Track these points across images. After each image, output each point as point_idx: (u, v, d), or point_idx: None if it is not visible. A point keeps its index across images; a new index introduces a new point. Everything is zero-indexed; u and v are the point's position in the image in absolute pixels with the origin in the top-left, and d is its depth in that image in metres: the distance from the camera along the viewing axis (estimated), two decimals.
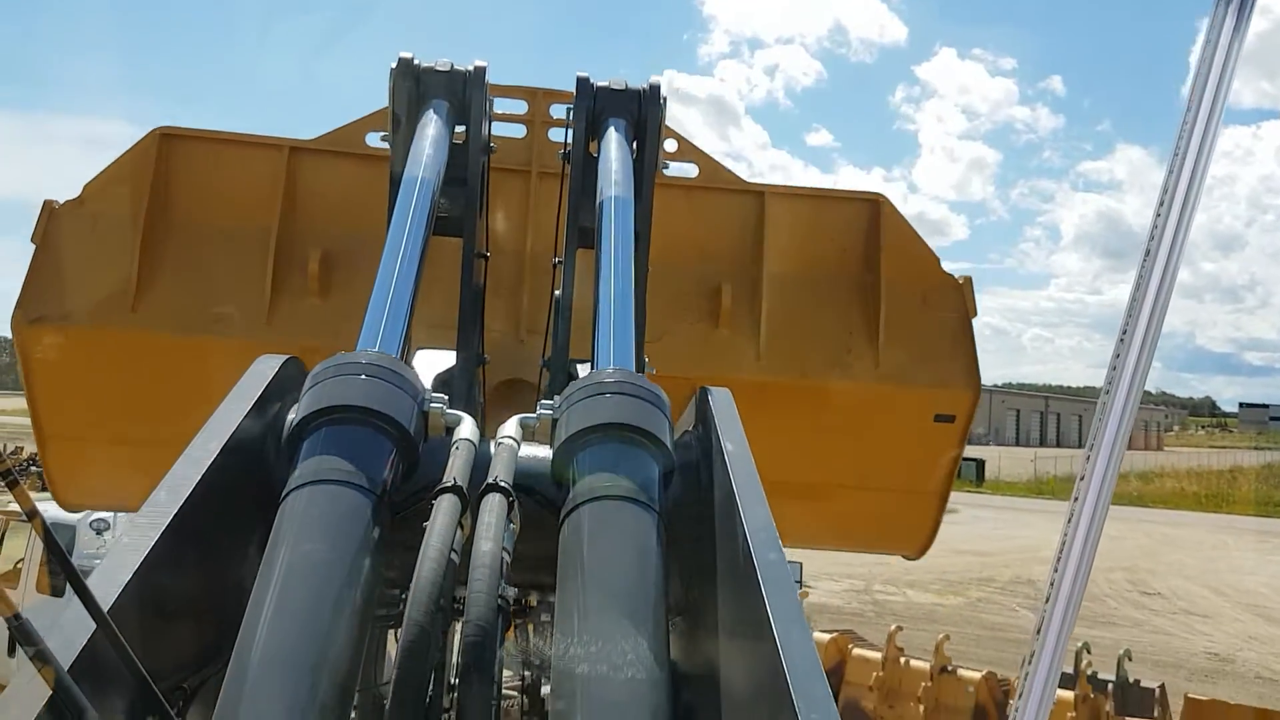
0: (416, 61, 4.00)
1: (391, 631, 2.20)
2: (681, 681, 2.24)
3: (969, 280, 5.30)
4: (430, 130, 3.68)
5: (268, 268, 5.05)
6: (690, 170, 5.35)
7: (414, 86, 3.91)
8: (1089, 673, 10.96)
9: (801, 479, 5.03)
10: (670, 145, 5.14)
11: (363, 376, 2.49)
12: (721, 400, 2.82)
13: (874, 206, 5.27)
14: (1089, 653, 11.27)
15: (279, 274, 5.09)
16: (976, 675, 12.14)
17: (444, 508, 2.41)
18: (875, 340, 5.12)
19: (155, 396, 5.04)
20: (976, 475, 57.92)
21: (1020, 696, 0.78)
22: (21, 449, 37.17)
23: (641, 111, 4.00)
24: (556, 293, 4.23)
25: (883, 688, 12.48)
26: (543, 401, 2.78)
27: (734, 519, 2.42)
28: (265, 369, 2.75)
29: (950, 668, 12.29)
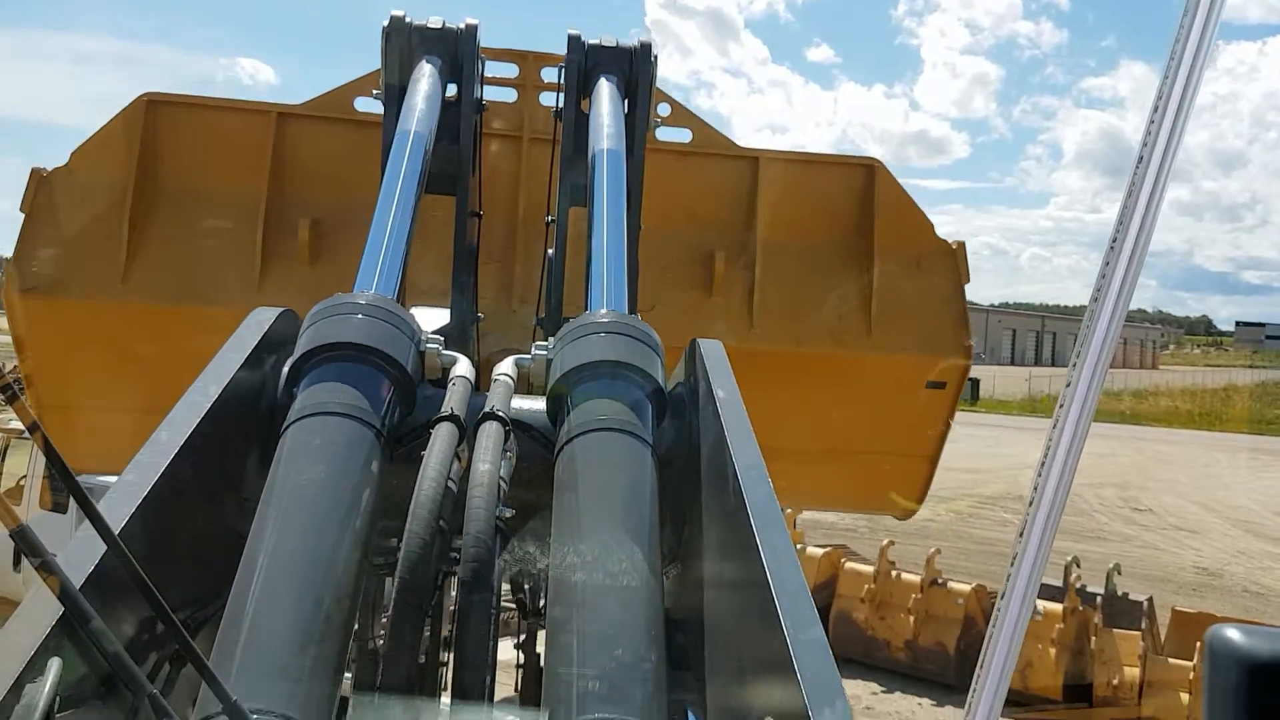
0: (408, 19, 3.94)
1: (389, 580, 2.21)
2: (675, 626, 2.27)
3: (962, 246, 5.26)
4: (422, 86, 3.66)
5: (257, 235, 5.01)
6: (684, 135, 5.27)
7: (405, 44, 3.88)
8: (1078, 586, 11.14)
9: (794, 445, 4.96)
10: (664, 110, 5.05)
11: (360, 316, 2.51)
12: (712, 350, 2.82)
13: (869, 171, 5.22)
14: (1078, 566, 11.44)
15: (269, 241, 5.04)
16: (966, 588, 12.34)
17: (442, 434, 2.41)
18: (868, 308, 5.11)
19: (148, 365, 4.97)
20: (971, 394, 58.17)
21: (1001, 598, 0.79)
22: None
23: (633, 69, 3.99)
24: (549, 251, 4.20)
25: (874, 600, 12.69)
26: (537, 343, 2.81)
27: (725, 462, 2.43)
28: (262, 319, 2.76)
29: (940, 580, 12.49)
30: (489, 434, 2.47)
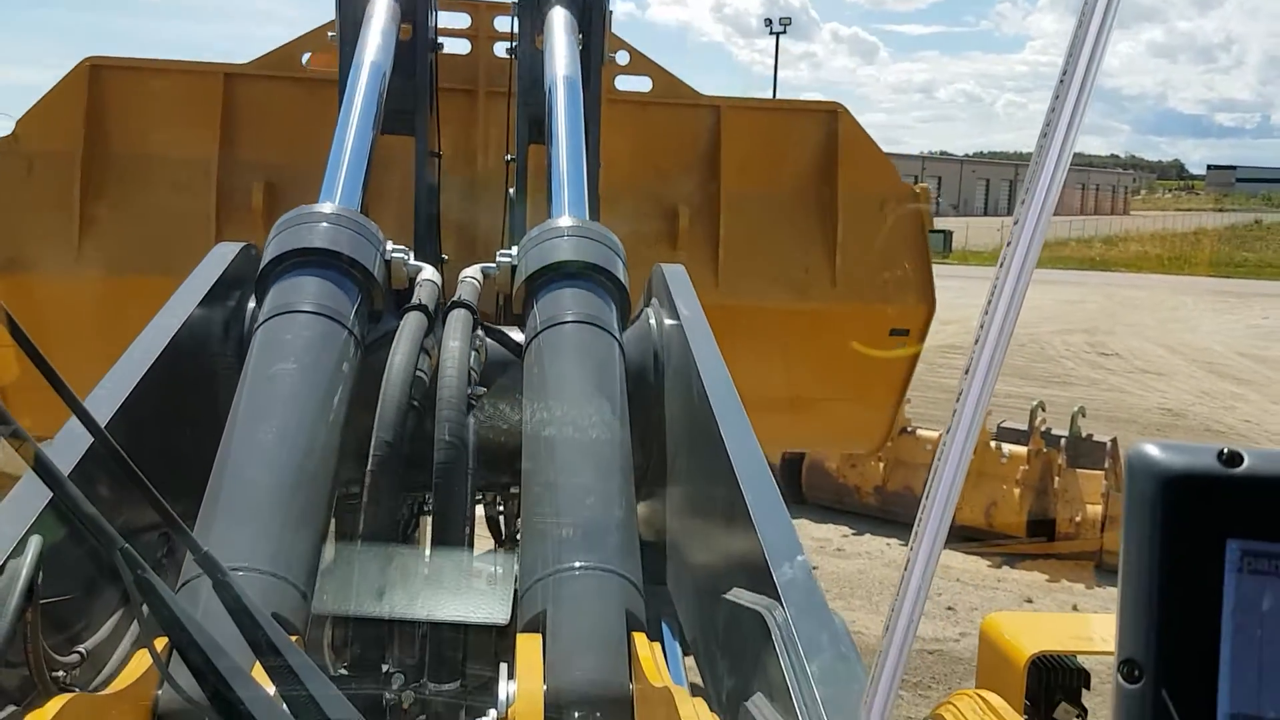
0: None
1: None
2: (647, 546, 2.31)
3: (925, 190, 5.18)
4: (377, 21, 3.63)
5: (211, 200, 4.90)
6: (644, 84, 5.14)
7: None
8: (1043, 429, 11.39)
9: (760, 395, 4.94)
10: (622, 58, 4.94)
11: (325, 224, 2.55)
12: (675, 274, 2.88)
13: (831, 117, 5.14)
14: (1043, 410, 11.67)
15: (223, 206, 4.93)
16: (934, 434, 12.58)
17: (411, 320, 2.49)
18: (832, 257, 5.07)
19: (106, 337, 4.91)
20: (944, 246, 58.31)
21: (946, 433, 0.80)
22: None
23: (585, 2, 4.00)
24: (510, 190, 4.13)
25: None
26: (501, 251, 2.84)
27: (691, 380, 2.46)
28: (223, 254, 2.76)
29: (910, 428, 12.73)
30: (458, 318, 2.54)
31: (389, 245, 2.65)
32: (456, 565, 2.20)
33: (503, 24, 4.98)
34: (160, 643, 1.27)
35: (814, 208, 5.14)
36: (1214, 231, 73.70)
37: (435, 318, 2.57)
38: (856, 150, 5.12)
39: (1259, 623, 0.49)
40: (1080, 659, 2.00)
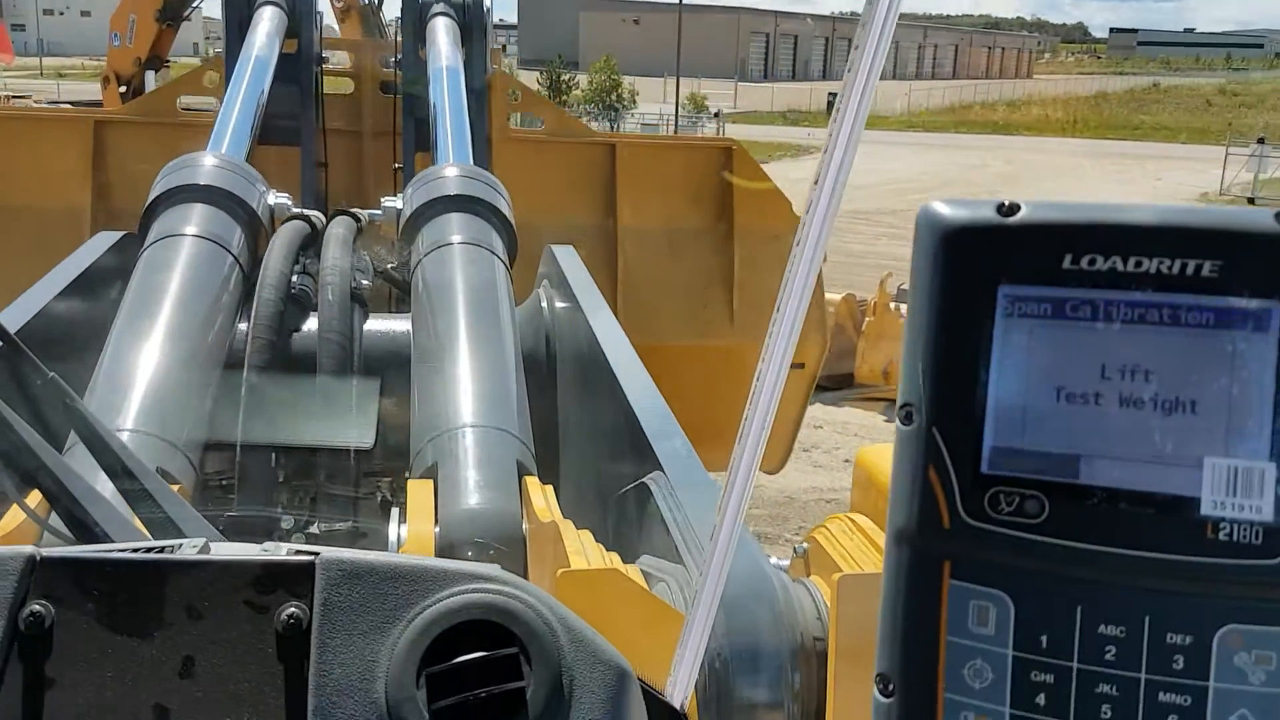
0: None
1: None
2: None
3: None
4: (263, 26, 3.78)
5: None
6: (537, 123, 5.19)
7: (245, 5, 4.02)
8: None
9: None
10: (514, 98, 5.01)
11: (209, 165, 2.62)
12: (566, 254, 2.97)
13: (725, 153, 5.10)
14: None
15: None
16: (837, 297, 12.80)
17: (289, 225, 2.56)
18: (730, 293, 5.02)
19: None
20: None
21: (783, 286, 0.81)
22: None
23: (466, 15, 4.24)
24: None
25: None
26: (386, 197, 2.85)
27: (585, 355, 2.47)
28: (100, 242, 2.69)
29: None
30: (340, 221, 2.60)
31: (273, 192, 2.70)
32: (319, 391, 2.21)
33: (386, 60, 5.15)
34: (35, 497, 1.26)
35: (711, 244, 5.14)
36: (1115, 95, 74.85)
37: (316, 228, 2.60)
38: (751, 185, 5.12)
39: (1025, 363, 0.52)
40: None
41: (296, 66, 4.13)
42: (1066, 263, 0.53)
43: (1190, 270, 0.51)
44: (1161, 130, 55.43)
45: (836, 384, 12.12)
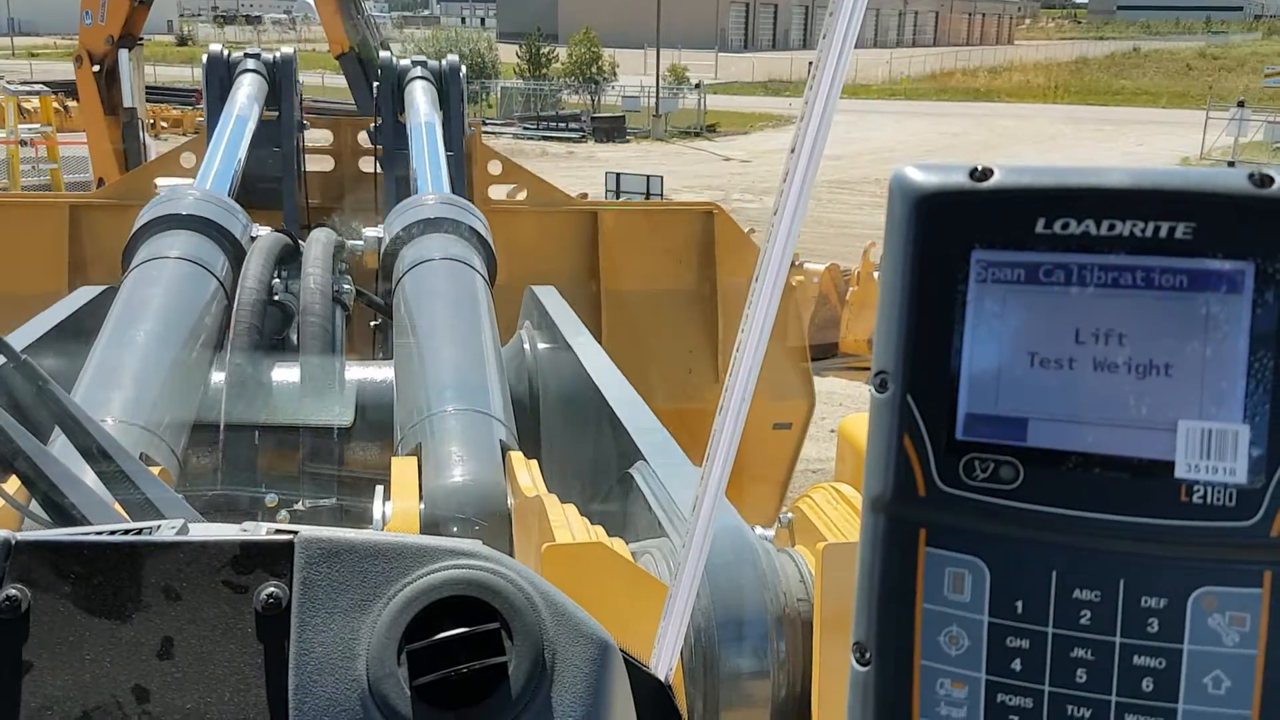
0: (225, 53, 4.28)
1: None
2: None
3: (801, 283, 5.16)
4: (243, 90, 3.96)
5: None
6: (519, 193, 5.18)
7: (227, 74, 4.17)
8: None
9: None
10: (494, 168, 5.02)
11: (192, 198, 2.69)
12: (548, 294, 3.05)
13: (708, 217, 5.09)
14: None
15: None
16: (820, 267, 12.82)
17: (268, 236, 2.61)
18: (715, 357, 5.00)
19: None
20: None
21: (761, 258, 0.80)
22: None
23: (444, 84, 4.44)
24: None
25: None
26: (368, 228, 2.92)
27: (564, 367, 2.49)
28: (80, 295, 2.73)
29: (798, 262, 12.93)
30: (322, 230, 2.67)
31: (255, 225, 2.78)
32: (299, 372, 2.22)
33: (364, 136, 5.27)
34: (13, 484, 1.25)
35: (694, 307, 5.13)
36: (1096, 60, 74.82)
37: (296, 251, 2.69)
38: (733, 249, 5.13)
39: (999, 328, 0.52)
40: None
41: (277, 131, 4.26)
42: (1039, 227, 0.52)
43: (1164, 233, 0.51)
44: (1142, 95, 55.49)
45: (821, 354, 12.16)
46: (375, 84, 4.65)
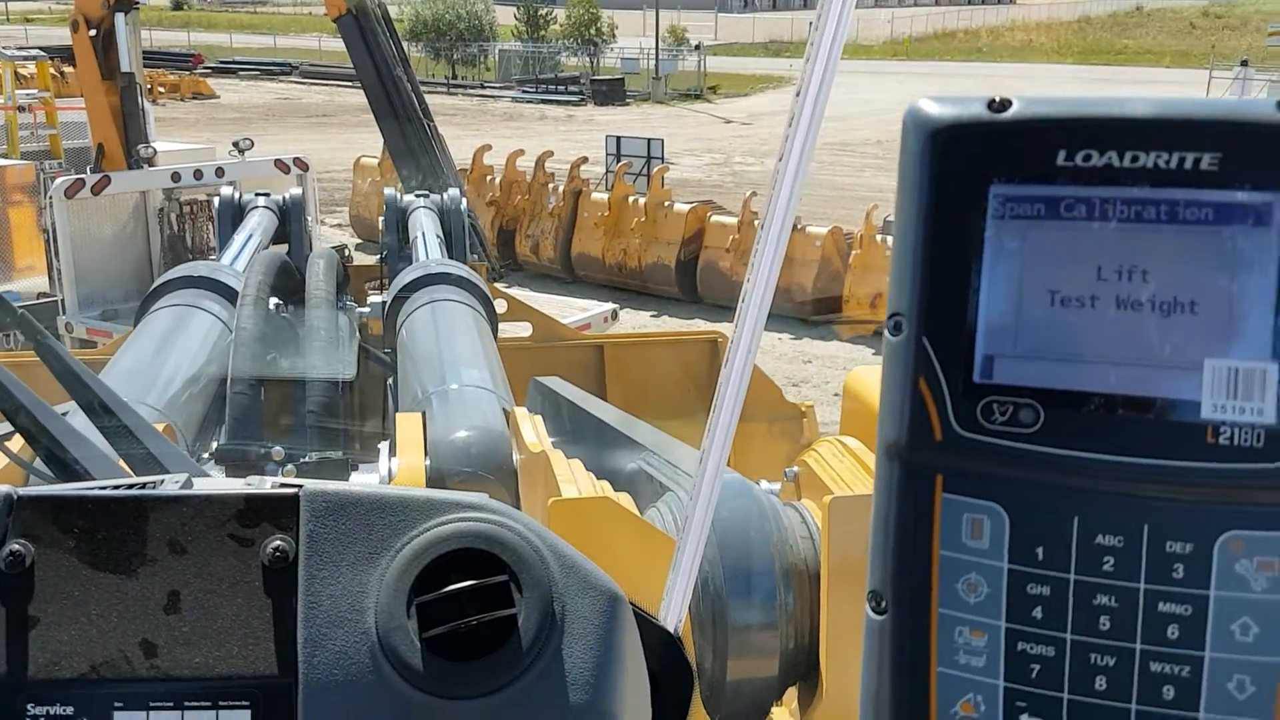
0: (236, 196, 4.56)
1: None
2: None
3: (811, 408, 5.10)
4: (254, 219, 4.22)
5: None
6: (524, 329, 5.16)
7: (238, 213, 4.41)
8: None
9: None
10: (500, 306, 4.97)
11: (204, 267, 2.88)
12: (556, 383, 2.99)
13: (712, 345, 5.10)
14: None
15: None
16: (823, 231, 12.77)
17: (270, 250, 2.67)
18: None
19: None
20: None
21: (761, 226, 0.79)
22: None
23: (447, 220, 4.64)
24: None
25: (738, 249, 13.14)
26: (372, 295, 3.00)
27: (586, 422, 2.51)
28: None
29: (799, 226, 12.87)
30: (323, 251, 2.89)
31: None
32: (302, 325, 2.25)
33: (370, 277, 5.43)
34: (17, 442, 1.24)
35: (703, 438, 5.15)
36: (1098, 19, 74.06)
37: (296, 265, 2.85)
38: None
39: (1018, 266, 0.50)
40: None
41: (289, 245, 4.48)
42: (1060, 159, 0.51)
43: (1189, 164, 0.49)
44: (1145, 54, 54.99)
45: (825, 309, 12.16)
46: (373, 3, 4.93)
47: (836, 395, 9.69)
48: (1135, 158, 0.50)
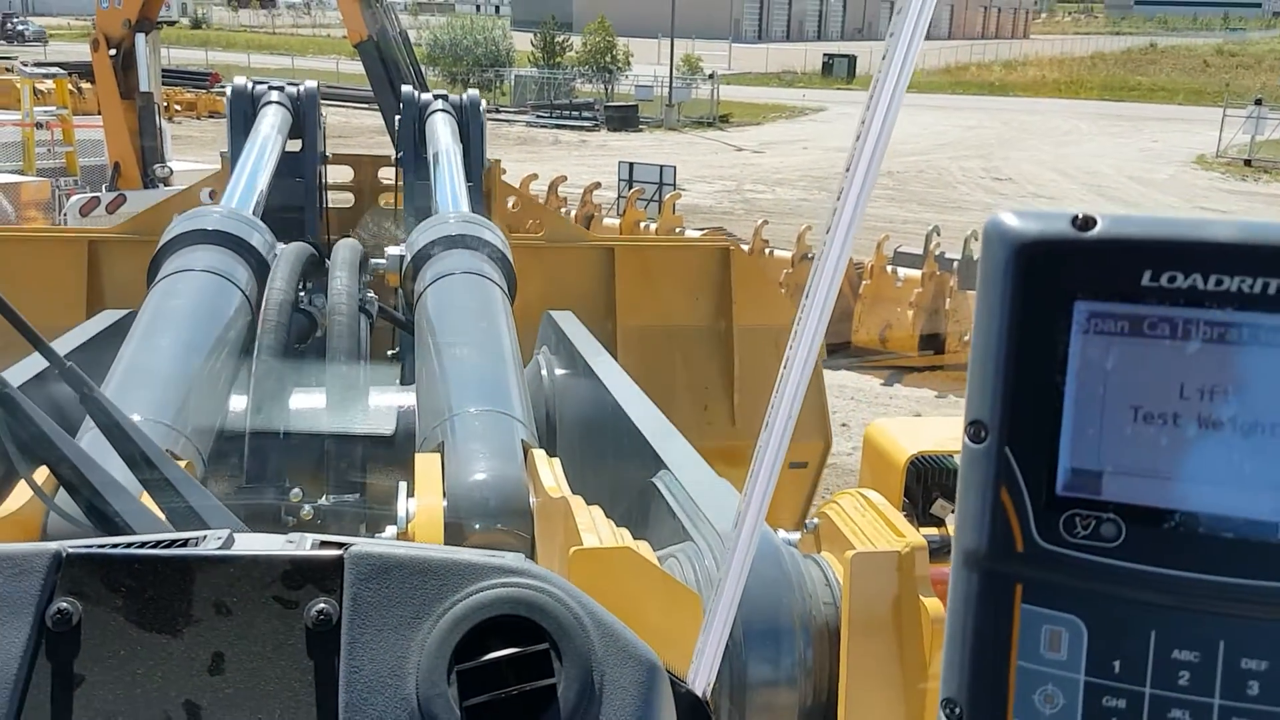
0: (249, 85, 4.30)
1: None
2: None
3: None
4: (267, 120, 4.02)
5: None
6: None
7: (251, 106, 4.20)
8: (937, 253, 11.65)
9: None
10: (511, 201, 5.12)
11: (218, 214, 2.74)
12: (566, 319, 3.09)
13: (723, 253, 5.09)
14: (938, 235, 11.91)
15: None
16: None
17: (293, 246, 2.63)
18: (730, 392, 4.98)
19: None
20: (848, 72, 57.87)
21: (818, 258, 0.80)
22: None
23: (464, 116, 4.48)
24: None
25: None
26: (390, 248, 2.95)
27: (582, 391, 2.50)
28: (103, 319, 2.76)
29: (810, 255, 12.90)
30: (346, 244, 2.71)
31: (279, 244, 2.79)
32: (344, 380, 2.23)
33: (386, 173, 5.28)
34: (42, 472, 1.24)
35: (710, 344, 5.09)
36: (1111, 56, 74.39)
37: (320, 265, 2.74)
38: (749, 285, 5.11)
39: (1102, 381, 0.51)
40: (957, 459, 2.09)
41: (300, 162, 4.31)
42: (1146, 279, 0.51)
43: (1273, 289, 0.50)
44: (1158, 91, 55.19)
45: (833, 349, 12.12)
46: (398, 117, 4.72)
47: (844, 425, 9.68)
48: (1219, 281, 0.50)
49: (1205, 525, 0.51)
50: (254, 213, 3.09)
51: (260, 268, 2.61)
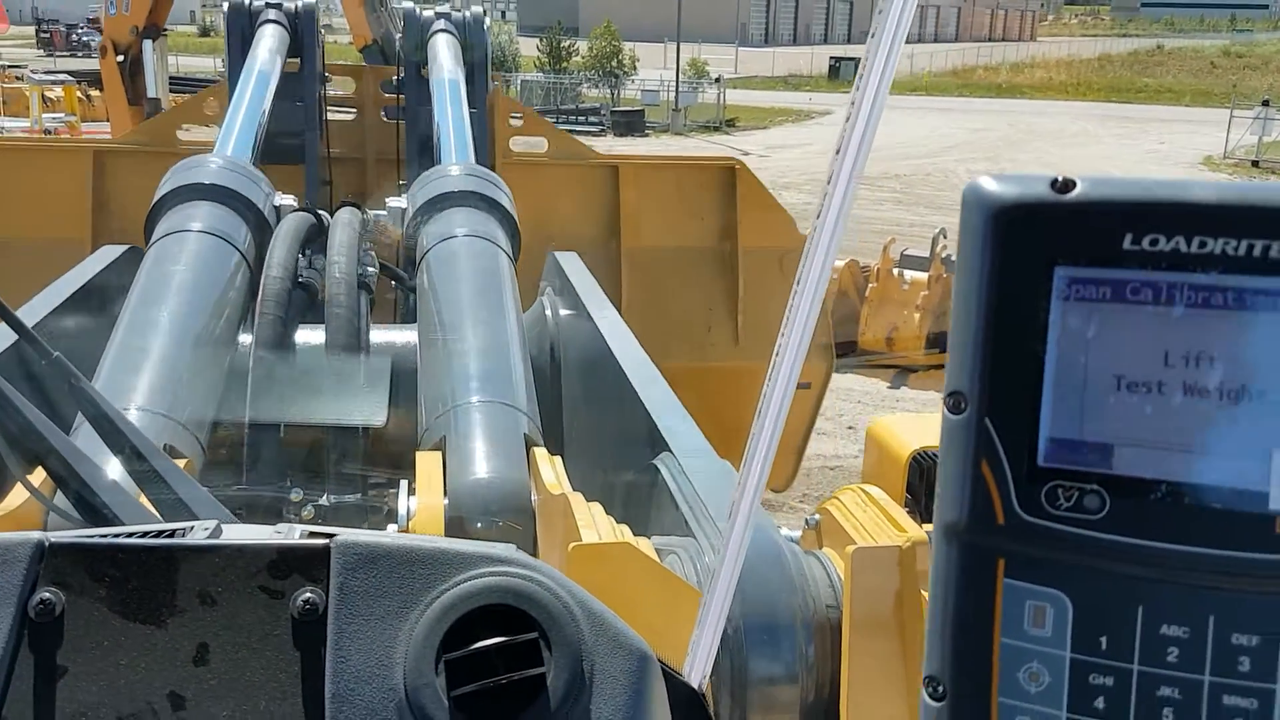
0: (247, 2, 4.19)
1: None
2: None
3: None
4: (265, 42, 3.89)
5: None
6: (539, 144, 5.08)
7: (249, 24, 4.10)
8: (943, 255, 11.61)
9: None
10: (517, 120, 4.95)
11: (215, 166, 2.68)
12: (569, 260, 3.05)
13: (729, 172, 5.03)
14: (945, 238, 11.88)
15: None
16: (840, 263, 12.76)
17: (294, 215, 2.57)
18: (735, 313, 4.95)
19: None
20: (854, 75, 57.80)
21: (804, 259, 0.79)
22: None
23: (468, 36, 4.35)
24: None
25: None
26: (391, 198, 2.91)
27: (592, 360, 2.48)
28: (104, 256, 2.73)
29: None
30: (346, 210, 2.66)
31: (278, 194, 2.76)
32: (329, 368, 2.22)
33: (386, 86, 5.14)
34: (39, 475, 1.24)
35: (715, 265, 5.06)
36: (1118, 57, 74.22)
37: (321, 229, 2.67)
38: (754, 205, 5.06)
39: (1083, 349, 0.49)
40: None
41: (300, 83, 4.21)
42: (1127, 243, 0.50)
43: (1257, 251, 0.48)
44: (1165, 93, 55.03)
45: (840, 351, 12.08)
46: (399, 36, 4.62)
47: (850, 428, 9.65)
48: (1203, 243, 0.49)
49: (1192, 496, 0.50)
50: (253, 150, 3.06)
51: (258, 221, 2.59)
